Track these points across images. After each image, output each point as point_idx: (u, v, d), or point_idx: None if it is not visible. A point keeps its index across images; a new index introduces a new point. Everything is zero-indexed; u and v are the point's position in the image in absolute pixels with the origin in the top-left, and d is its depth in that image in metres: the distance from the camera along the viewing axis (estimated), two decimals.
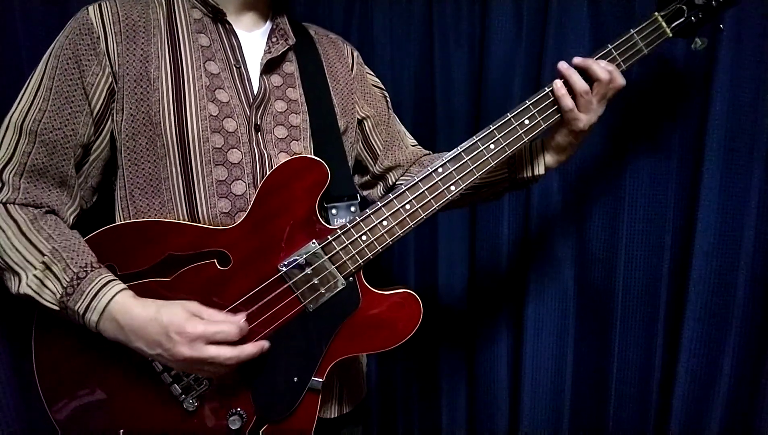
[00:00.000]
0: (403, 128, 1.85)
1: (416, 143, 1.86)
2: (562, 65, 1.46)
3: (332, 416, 1.60)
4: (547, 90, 1.47)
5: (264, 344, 1.34)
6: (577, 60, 1.46)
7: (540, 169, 1.61)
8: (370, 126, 1.73)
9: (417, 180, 1.41)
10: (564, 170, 2.05)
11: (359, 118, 1.70)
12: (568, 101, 1.45)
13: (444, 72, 2.13)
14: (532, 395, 2.14)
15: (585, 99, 1.45)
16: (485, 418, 2.26)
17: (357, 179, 1.84)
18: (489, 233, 2.16)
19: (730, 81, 1.79)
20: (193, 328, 1.24)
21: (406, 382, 2.38)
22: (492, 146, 1.44)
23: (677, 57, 1.87)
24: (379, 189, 1.81)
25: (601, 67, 1.44)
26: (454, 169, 1.43)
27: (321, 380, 1.41)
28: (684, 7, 1.50)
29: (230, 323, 1.29)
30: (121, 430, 1.38)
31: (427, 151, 1.84)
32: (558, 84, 1.46)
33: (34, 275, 1.28)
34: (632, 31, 1.48)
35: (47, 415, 1.39)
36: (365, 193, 1.84)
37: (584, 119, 1.47)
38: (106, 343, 1.33)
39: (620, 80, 1.46)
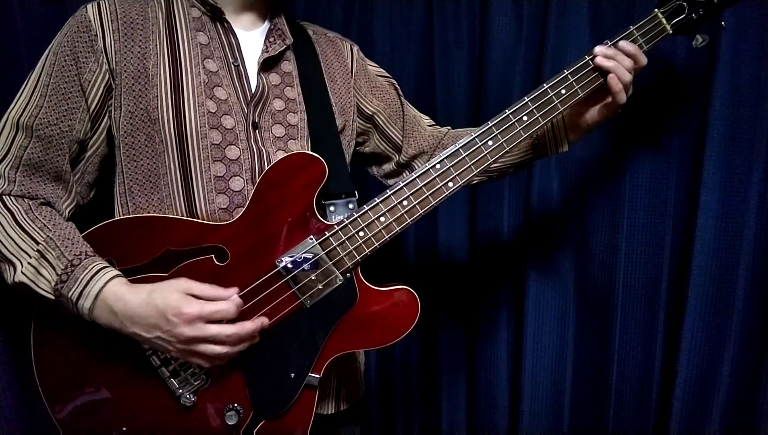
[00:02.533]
0: (416, 112, 1.86)
1: (433, 122, 1.88)
2: (607, 50, 1.49)
3: (329, 412, 1.61)
4: (546, 86, 1.47)
5: (263, 320, 1.35)
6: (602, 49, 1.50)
7: (565, 148, 1.69)
8: (383, 119, 1.75)
9: (414, 176, 1.42)
10: (564, 170, 2.05)
11: (369, 113, 1.72)
12: (627, 76, 1.50)
13: (444, 72, 2.13)
14: (532, 395, 2.14)
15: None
16: (485, 417, 2.26)
17: (377, 170, 1.87)
18: (489, 232, 2.16)
19: (730, 81, 1.78)
20: (191, 308, 1.25)
21: (406, 381, 2.38)
22: (490, 143, 1.44)
23: (677, 56, 1.87)
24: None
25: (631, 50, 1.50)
26: (451, 166, 1.43)
27: (318, 376, 1.41)
28: (684, 4, 1.50)
29: (226, 302, 1.29)
30: (124, 428, 1.39)
31: (446, 128, 1.86)
32: (603, 60, 1.48)
33: (29, 263, 1.29)
34: (632, 28, 1.49)
35: (47, 414, 1.39)
36: (391, 181, 1.85)
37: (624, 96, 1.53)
38: (103, 339, 1.34)
39: (643, 59, 1.52)
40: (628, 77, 1.49)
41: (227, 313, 1.28)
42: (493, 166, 1.49)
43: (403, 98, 1.82)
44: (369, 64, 1.78)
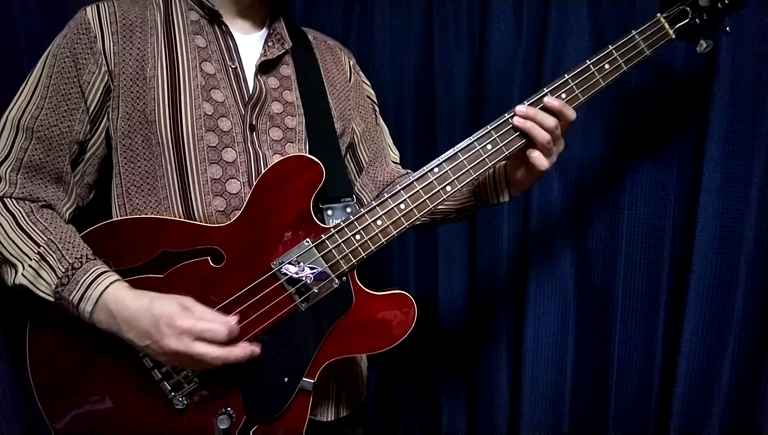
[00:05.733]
0: (389, 141, 1.86)
1: (398, 160, 1.87)
2: (527, 110, 1.42)
3: (329, 419, 1.60)
4: (547, 89, 1.44)
5: (254, 350, 1.33)
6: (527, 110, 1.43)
7: (505, 198, 1.62)
8: (358, 139, 1.73)
9: (412, 179, 1.41)
10: (564, 170, 2.04)
11: (351, 128, 1.71)
12: (543, 136, 1.42)
13: (444, 72, 2.13)
14: (532, 395, 2.13)
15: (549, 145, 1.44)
16: (485, 418, 2.26)
17: None
18: (489, 234, 2.16)
19: (730, 81, 1.78)
20: (182, 321, 1.24)
21: (406, 383, 2.38)
22: (489, 147, 1.43)
23: (677, 56, 1.86)
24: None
25: (549, 116, 1.42)
26: (450, 169, 1.42)
27: (312, 381, 1.40)
28: (688, 9, 1.47)
29: (220, 323, 1.28)
30: (116, 430, 1.39)
31: (406, 171, 1.83)
32: (520, 121, 1.42)
33: (30, 266, 1.30)
34: (634, 32, 1.46)
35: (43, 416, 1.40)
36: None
37: (547, 163, 1.46)
38: (97, 340, 1.34)
39: (571, 114, 1.44)
40: (545, 137, 1.41)
41: (216, 334, 1.26)
42: (438, 208, 1.46)
43: (380, 123, 1.82)
44: (363, 80, 1.77)
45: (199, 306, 1.30)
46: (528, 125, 1.41)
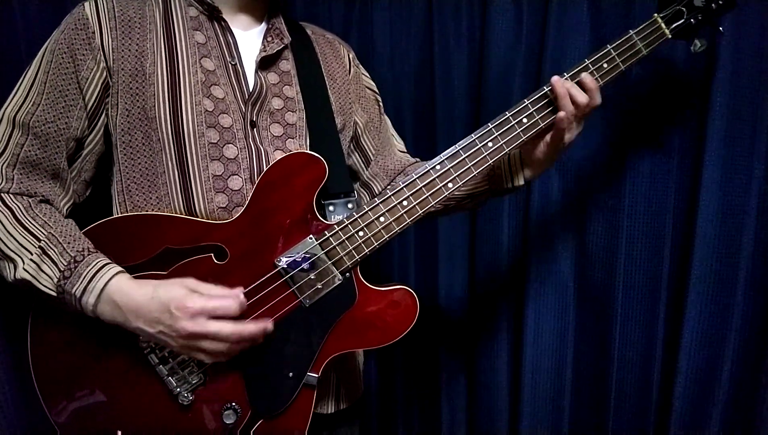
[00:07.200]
0: (393, 131, 1.86)
1: (405, 149, 1.87)
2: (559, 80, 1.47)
3: (329, 412, 1.60)
4: (546, 89, 1.47)
5: (267, 325, 1.34)
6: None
7: (520, 181, 1.65)
8: (363, 130, 1.73)
9: (415, 177, 1.42)
10: (564, 170, 2.04)
11: (354, 121, 1.71)
12: (568, 102, 1.45)
13: (444, 72, 2.13)
14: (532, 395, 2.13)
15: (577, 113, 1.48)
16: (485, 418, 2.25)
17: None
18: (489, 233, 2.16)
19: (730, 80, 1.79)
20: (194, 302, 1.25)
21: (406, 381, 2.37)
22: (490, 144, 1.45)
23: (677, 56, 1.87)
24: (365, 198, 1.80)
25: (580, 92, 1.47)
26: (452, 167, 1.43)
27: (316, 376, 1.40)
28: (683, 9, 1.51)
29: (230, 298, 1.29)
30: (119, 432, 1.38)
31: (415, 160, 1.84)
32: (559, 82, 1.45)
33: (31, 260, 1.30)
34: (631, 32, 1.50)
35: (46, 413, 1.39)
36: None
37: (568, 136, 1.51)
38: (100, 337, 1.34)
39: (598, 99, 1.49)
40: (570, 108, 1.46)
41: (229, 309, 1.28)
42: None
43: (383, 114, 1.82)
44: (362, 73, 1.78)
45: (204, 284, 1.31)
46: (567, 85, 1.46)
